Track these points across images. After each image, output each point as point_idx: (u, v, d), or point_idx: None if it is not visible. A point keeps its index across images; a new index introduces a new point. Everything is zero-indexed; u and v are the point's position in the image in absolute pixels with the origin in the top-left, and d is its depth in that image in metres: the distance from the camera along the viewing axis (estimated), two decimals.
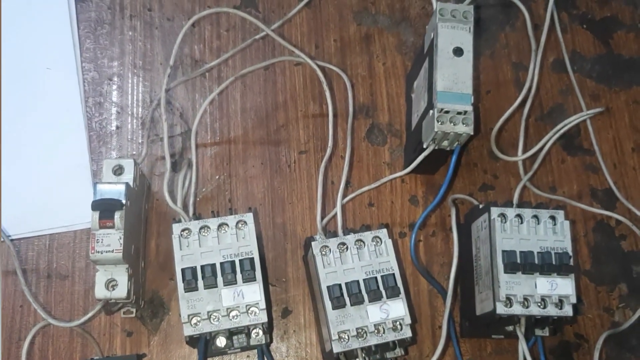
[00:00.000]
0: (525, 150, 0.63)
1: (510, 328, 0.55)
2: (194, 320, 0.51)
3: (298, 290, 0.60)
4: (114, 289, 0.53)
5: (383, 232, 0.55)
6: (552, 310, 0.53)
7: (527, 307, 0.53)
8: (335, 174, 0.64)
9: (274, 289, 0.60)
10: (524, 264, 0.53)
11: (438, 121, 0.54)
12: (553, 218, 0.56)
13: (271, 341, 0.58)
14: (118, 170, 0.56)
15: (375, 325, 0.52)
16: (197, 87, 0.66)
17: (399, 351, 0.53)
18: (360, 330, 0.52)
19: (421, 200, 0.64)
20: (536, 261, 0.54)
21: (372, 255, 0.54)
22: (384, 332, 0.52)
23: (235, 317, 0.52)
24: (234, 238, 0.54)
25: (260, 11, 0.69)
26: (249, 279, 0.52)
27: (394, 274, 0.53)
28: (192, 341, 0.52)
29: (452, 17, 0.56)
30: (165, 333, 0.58)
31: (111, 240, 0.52)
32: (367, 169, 0.65)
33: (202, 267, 0.52)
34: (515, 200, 0.58)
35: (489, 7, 0.71)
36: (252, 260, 0.53)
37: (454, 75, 0.55)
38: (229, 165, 0.64)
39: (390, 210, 0.63)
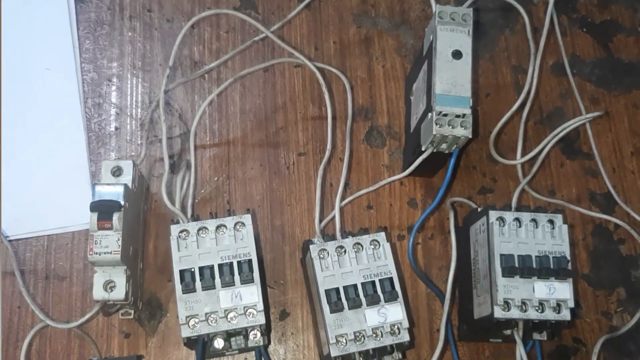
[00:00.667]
0: (524, 154, 0.63)
1: (508, 332, 0.55)
2: (191, 322, 0.51)
3: (296, 292, 0.60)
4: (112, 291, 0.53)
5: (381, 236, 0.55)
6: (550, 315, 0.53)
7: (525, 311, 0.53)
8: (334, 176, 0.64)
9: (272, 291, 0.60)
10: (522, 267, 0.53)
11: (436, 124, 0.54)
12: (551, 222, 0.55)
13: (269, 343, 0.58)
14: (117, 172, 0.55)
15: (373, 329, 0.51)
16: (197, 89, 0.66)
17: (396, 355, 0.53)
18: (358, 334, 0.51)
19: (420, 203, 0.64)
20: (534, 265, 0.54)
21: (370, 259, 0.54)
22: (381, 336, 0.52)
23: (233, 318, 0.52)
24: (232, 240, 0.54)
25: (260, 13, 0.69)
26: (246, 280, 0.52)
27: (391, 278, 0.53)
28: (190, 343, 0.52)
29: (452, 20, 0.56)
30: (163, 335, 0.58)
31: (109, 242, 0.52)
32: (366, 172, 0.64)
33: (200, 268, 0.52)
34: (513, 203, 0.58)
35: (488, 10, 0.71)
36: (250, 262, 0.53)
37: (452, 78, 0.55)
38: (227, 166, 0.64)
39: (388, 213, 0.63)
